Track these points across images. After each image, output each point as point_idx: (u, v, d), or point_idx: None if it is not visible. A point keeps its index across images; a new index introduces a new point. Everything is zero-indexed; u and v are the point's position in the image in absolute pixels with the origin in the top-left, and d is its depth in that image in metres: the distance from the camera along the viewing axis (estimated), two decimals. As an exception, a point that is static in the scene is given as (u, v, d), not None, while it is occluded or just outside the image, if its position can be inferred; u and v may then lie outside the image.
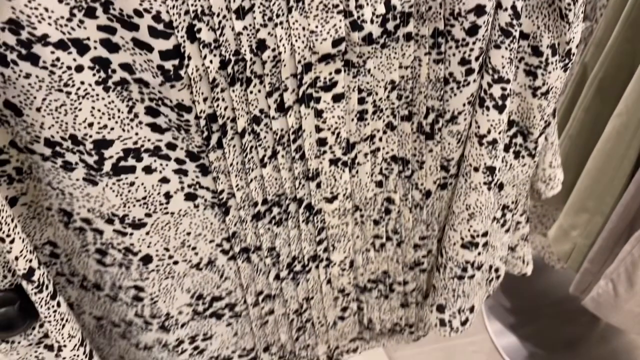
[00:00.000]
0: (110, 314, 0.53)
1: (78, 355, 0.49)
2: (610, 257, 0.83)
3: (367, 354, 1.21)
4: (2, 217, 0.38)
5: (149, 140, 0.41)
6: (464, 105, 0.49)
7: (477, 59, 0.46)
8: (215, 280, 0.53)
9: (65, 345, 0.47)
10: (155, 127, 0.40)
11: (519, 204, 0.63)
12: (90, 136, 0.38)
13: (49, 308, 0.44)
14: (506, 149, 0.56)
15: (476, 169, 0.53)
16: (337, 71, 0.44)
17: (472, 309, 0.66)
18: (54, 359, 0.49)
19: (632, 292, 0.80)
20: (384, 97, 0.48)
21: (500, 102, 0.49)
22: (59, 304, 0.45)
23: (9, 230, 0.39)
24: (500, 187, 0.59)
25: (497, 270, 0.67)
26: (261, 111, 0.43)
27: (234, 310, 0.57)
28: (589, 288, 0.88)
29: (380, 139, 0.51)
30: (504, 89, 0.48)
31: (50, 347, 0.49)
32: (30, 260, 0.41)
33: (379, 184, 0.54)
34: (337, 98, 0.45)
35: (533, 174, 0.62)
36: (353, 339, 0.70)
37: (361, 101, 0.47)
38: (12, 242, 0.39)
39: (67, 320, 0.46)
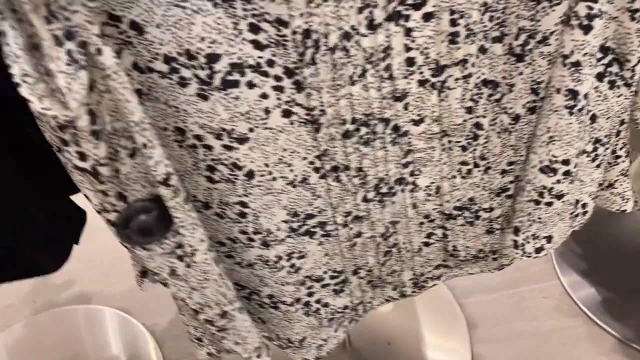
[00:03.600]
0: (218, 233, 0.58)
1: (207, 259, 0.54)
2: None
3: (437, 300, 1.24)
4: (145, 125, 0.42)
5: (251, 56, 0.44)
6: (555, 25, 0.49)
7: None
8: (308, 198, 0.56)
9: (197, 250, 0.52)
10: (256, 44, 0.44)
11: (612, 138, 0.62)
12: (203, 50, 0.42)
13: (183, 213, 0.49)
14: (600, 78, 0.55)
15: (558, 91, 0.53)
16: None
17: (549, 239, 0.65)
18: (184, 269, 0.55)
19: None
20: (477, 20, 0.48)
21: (585, 22, 0.48)
22: (190, 209, 0.50)
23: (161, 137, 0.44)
24: (593, 118, 0.58)
25: (584, 205, 0.66)
26: (352, 27, 0.45)
27: (324, 229, 0.60)
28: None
29: (473, 64, 0.51)
30: (589, 7, 0.47)
31: (180, 258, 0.54)
32: (167, 166, 0.46)
33: (469, 110, 0.55)
34: (427, 17, 0.46)
35: (633, 102, 0.60)
36: (437, 266, 0.72)
37: (453, 23, 0.48)
38: (153, 148, 0.44)
39: (198, 225, 0.52)
